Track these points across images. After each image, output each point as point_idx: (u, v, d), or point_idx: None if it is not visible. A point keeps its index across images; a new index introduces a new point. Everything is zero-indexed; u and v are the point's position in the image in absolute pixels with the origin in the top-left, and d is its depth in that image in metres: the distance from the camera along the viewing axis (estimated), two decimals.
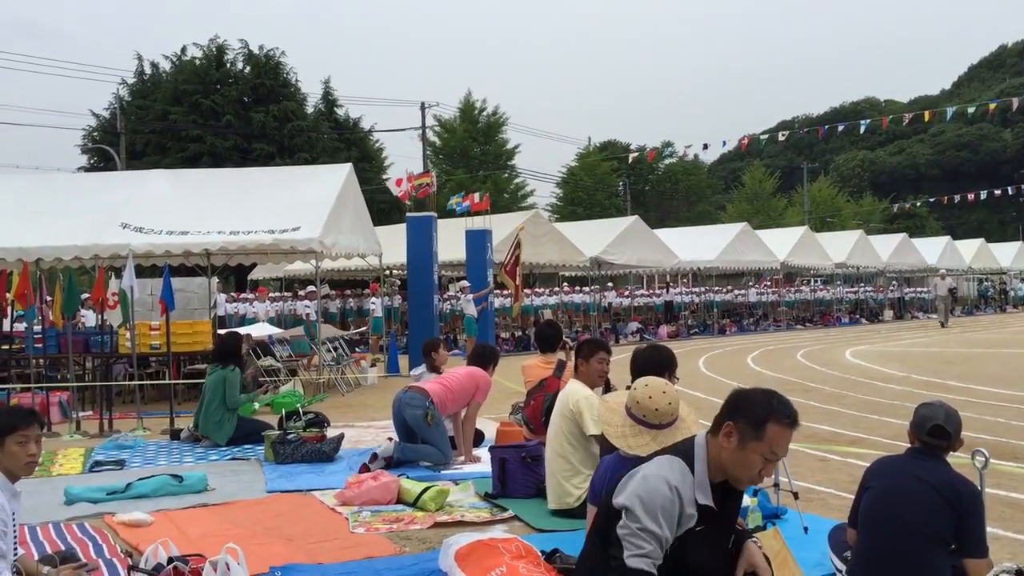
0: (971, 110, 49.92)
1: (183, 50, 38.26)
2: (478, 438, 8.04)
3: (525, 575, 4.18)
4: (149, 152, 34.90)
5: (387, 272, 22.67)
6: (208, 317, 14.04)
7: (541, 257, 23.43)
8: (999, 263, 46.29)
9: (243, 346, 9.49)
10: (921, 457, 3.71)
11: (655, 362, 4.82)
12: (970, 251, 44.24)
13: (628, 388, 4.15)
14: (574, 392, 5.61)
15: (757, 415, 2.89)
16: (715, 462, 2.93)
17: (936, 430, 3.73)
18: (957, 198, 53.08)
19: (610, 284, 33.38)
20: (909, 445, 3.87)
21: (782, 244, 32.25)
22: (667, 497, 2.80)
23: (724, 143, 37.43)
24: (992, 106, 55.70)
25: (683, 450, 2.96)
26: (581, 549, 3.18)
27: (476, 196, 20.34)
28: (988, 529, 3.87)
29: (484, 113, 50.78)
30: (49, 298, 11.47)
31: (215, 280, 15.82)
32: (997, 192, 52.81)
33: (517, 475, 6.16)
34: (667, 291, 34.74)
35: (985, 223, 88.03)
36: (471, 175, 46.61)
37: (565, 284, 33.06)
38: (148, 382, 12.71)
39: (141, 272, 14.35)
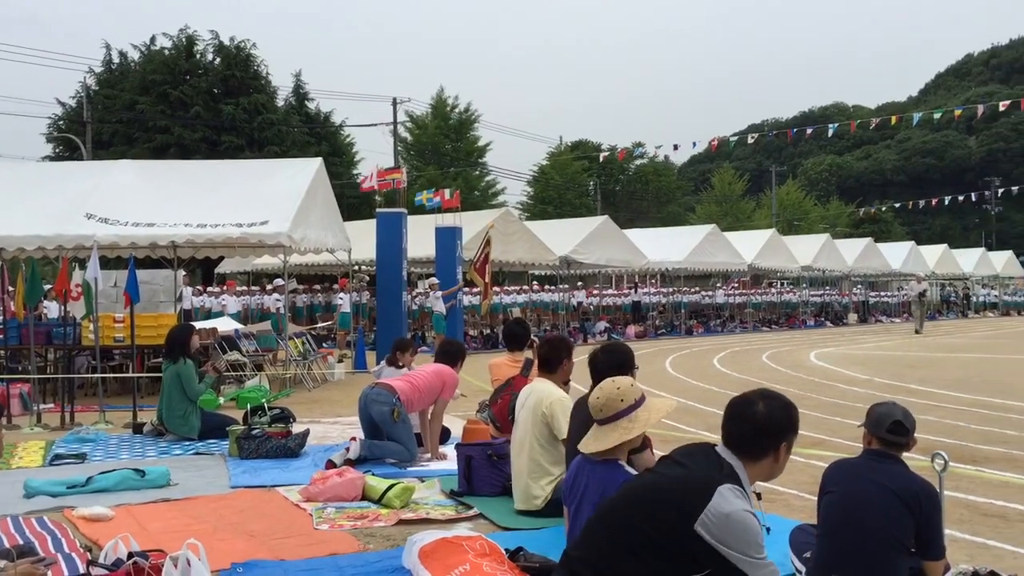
0: (937, 116, 50.55)
1: (152, 40, 37.88)
2: (444, 435, 8.03)
3: (489, 573, 4.18)
4: (116, 142, 34.50)
5: (356, 268, 22.57)
6: (174, 310, 13.91)
7: (511, 255, 23.46)
8: (962, 269, 47.01)
9: (195, 338, 9.34)
10: (879, 459, 3.74)
11: (616, 365, 4.78)
12: (934, 256, 44.89)
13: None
14: (548, 393, 5.51)
15: (794, 421, 3.09)
16: (753, 480, 3.05)
17: (896, 426, 3.78)
18: (922, 203, 53.88)
19: (579, 283, 33.46)
20: (865, 447, 3.92)
21: (750, 246, 32.53)
22: (757, 526, 2.85)
23: (694, 144, 37.59)
24: (958, 113, 56.51)
25: (732, 475, 2.96)
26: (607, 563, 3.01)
27: (447, 193, 20.31)
28: (946, 531, 3.94)
29: (456, 110, 50.74)
30: (11, 288, 11.30)
31: (181, 273, 15.68)
32: (961, 199, 53.65)
33: (483, 473, 6.15)
34: (635, 291, 34.90)
35: (949, 229, 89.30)
36: (442, 171, 46.52)
37: (534, 283, 33.10)
38: (111, 375, 12.55)
39: (106, 263, 14.20)
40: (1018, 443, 8.17)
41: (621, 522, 2.96)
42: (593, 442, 3.84)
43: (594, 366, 4.86)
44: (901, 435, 3.76)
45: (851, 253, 38.13)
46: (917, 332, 27.73)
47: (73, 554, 4.73)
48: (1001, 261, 50.88)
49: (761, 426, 3.02)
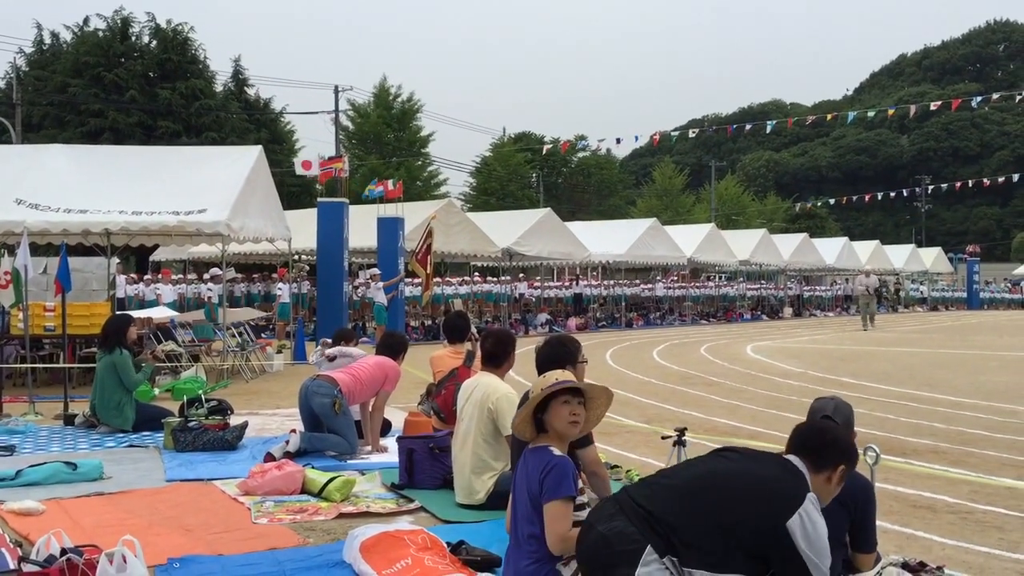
0: (871, 115, 51.73)
1: (86, 21, 36.93)
2: (385, 428, 8.00)
3: (431, 567, 4.19)
4: (47, 125, 33.57)
5: (296, 257, 22.32)
6: (107, 299, 13.60)
7: (453, 246, 23.39)
8: (893, 264, 48.20)
9: (132, 328, 9.15)
10: None
11: (552, 359, 4.80)
12: (866, 252, 45.92)
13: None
14: (494, 388, 5.50)
15: (855, 455, 3.35)
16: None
17: (824, 420, 3.92)
18: (855, 200, 55.15)
19: (521, 275, 33.52)
20: None
21: (689, 240, 32.92)
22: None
23: (636, 138, 37.95)
24: (891, 112, 57.85)
25: (807, 485, 3.13)
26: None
27: (389, 183, 20.17)
28: (877, 523, 4.04)
29: (399, 99, 50.38)
30: None
31: (115, 261, 15.33)
32: (893, 195, 55.07)
33: (424, 466, 6.14)
34: (576, 283, 35.09)
35: (881, 225, 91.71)
36: (384, 161, 46.19)
37: (476, 274, 33.08)
38: (41, 365, 12.23)
39: (36, 250, 13.80)
40: (944, 436, 8.43)
41: (712, 500, 3.03)
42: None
43: (542, 360, 4.88)
44: None
45: (787, 248, 38.82)
46: (864, 329, 26.59)
47: (2, 549, 4.59)
48: (930, 257, 52.34)
49: (831, 444, 3.23)
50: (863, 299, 27.55)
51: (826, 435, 3.25)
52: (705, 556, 2.92)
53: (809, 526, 2.95)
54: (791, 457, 3.22)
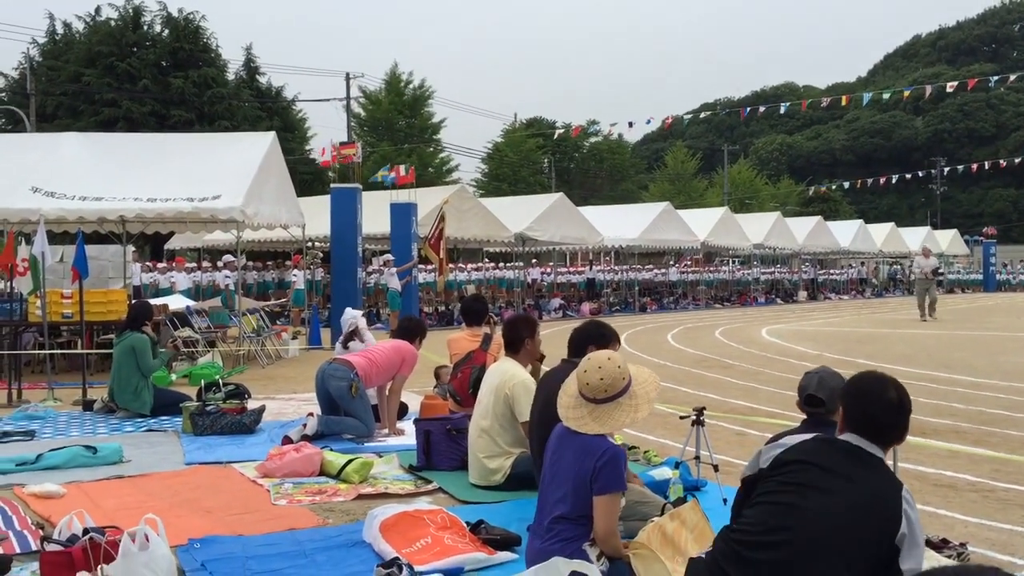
0: (886, 96, 51.33)
1: (97, 10, 36.94)
2: (402, 411, 8.01)
3: (451, 545, 4.19)
4: (61, 115, 33.71)
5: (310, 244, 22.36)
6: (123, 286, 13.66)
7: (465, 232, 23.36)
8: (908, 247, 47.88)
9: (155, 316, 9.23)
10: (814, 430, 3.81)
11: (575, 340, 4.83)
12: (881, 235, 45.61)
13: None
14: (512, 375, 5.51)
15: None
16: None
17: (809, 399, 3.93)
18: (870, 183, 54.80)
19: (534, 260, 33.44)
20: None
21: (703, 224, 32.73)
22: None
23: (648, 121, 37.59)
24: (906, 94, 57.41)
25: (895, 479, 2.99)
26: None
27: (402, 169, 20.15)
28: None
29: (410, 86, 50.24)
30: None
31: (130, 249, 15.39)
32: (908, 177, 54.72)
33: (442, 447, 6.15)
34: (590, 268, 35.03)
35: (895, 208, 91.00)
36: (396, 148, 46.14)
37: (488, 260, 33.05)
38: (59, 351, 12.30)
39: (52, 238, 13.87)
40: (964, 416, 8.38)
41: (825, 568, 2.82)
42: (595, 424, 3.75)
43: (572, 339, 4.87)
44: (815, 406, 3.90)
45: (801, 231, 38.57)
46: (923, 319, 22.52)
47: (25, 531, 4.63)
48: (946, 240, 51.93)
49: (898, 422, 2.99)
50: (921, 283, 23.52)
51: (894, 416, 2.97)
52: None
53: (908, 531, 2.83)
54: (859, 441, 2.97)
